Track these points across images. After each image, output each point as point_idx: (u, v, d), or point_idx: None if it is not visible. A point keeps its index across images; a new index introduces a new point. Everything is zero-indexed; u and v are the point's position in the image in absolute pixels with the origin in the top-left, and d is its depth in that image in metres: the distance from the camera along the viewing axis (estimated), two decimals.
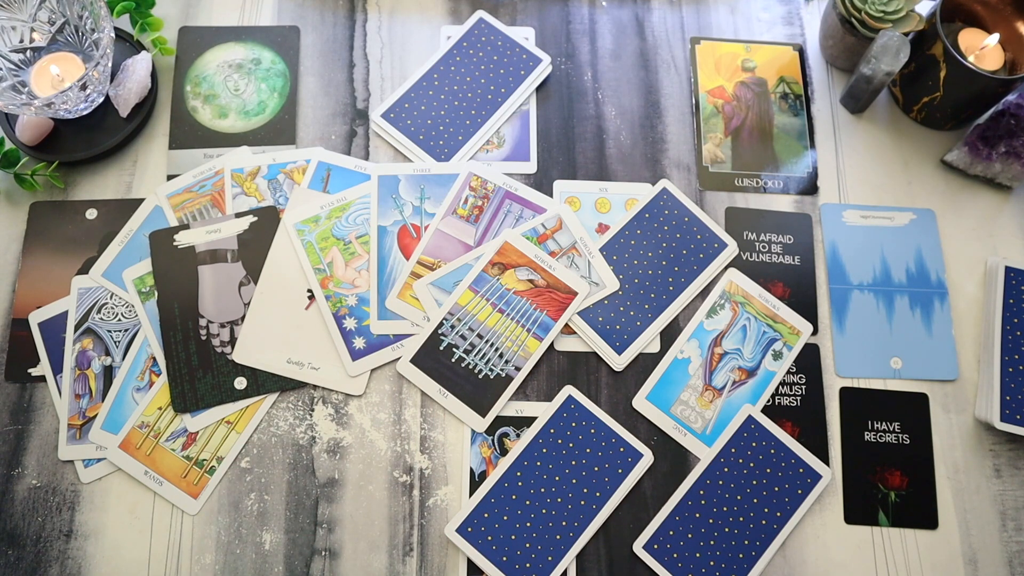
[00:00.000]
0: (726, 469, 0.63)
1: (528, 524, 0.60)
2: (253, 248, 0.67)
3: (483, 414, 0.64)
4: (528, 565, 0.59)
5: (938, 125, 0.75)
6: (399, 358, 0.65)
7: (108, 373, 0.64)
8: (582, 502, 0.61)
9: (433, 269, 0.67)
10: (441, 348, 0.65)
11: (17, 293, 0.66)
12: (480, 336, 0.65)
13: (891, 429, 0.65)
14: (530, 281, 0.66)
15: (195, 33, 0.75)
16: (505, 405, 0.64)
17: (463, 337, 0.65)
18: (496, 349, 0.65)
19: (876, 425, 0.65)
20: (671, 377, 0.66)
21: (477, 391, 0.64)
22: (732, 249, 0.69)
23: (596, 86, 0.76)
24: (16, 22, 0.68)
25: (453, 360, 0.64)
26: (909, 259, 0.70)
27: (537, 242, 0.68)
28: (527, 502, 0.61)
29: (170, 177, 0.70)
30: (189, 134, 0.72)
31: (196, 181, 0.70)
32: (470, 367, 0.64)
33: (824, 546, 0.62)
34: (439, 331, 0.65)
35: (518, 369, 0.65)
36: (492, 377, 0.64)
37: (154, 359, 0.64)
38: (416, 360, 0.65)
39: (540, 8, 0.78)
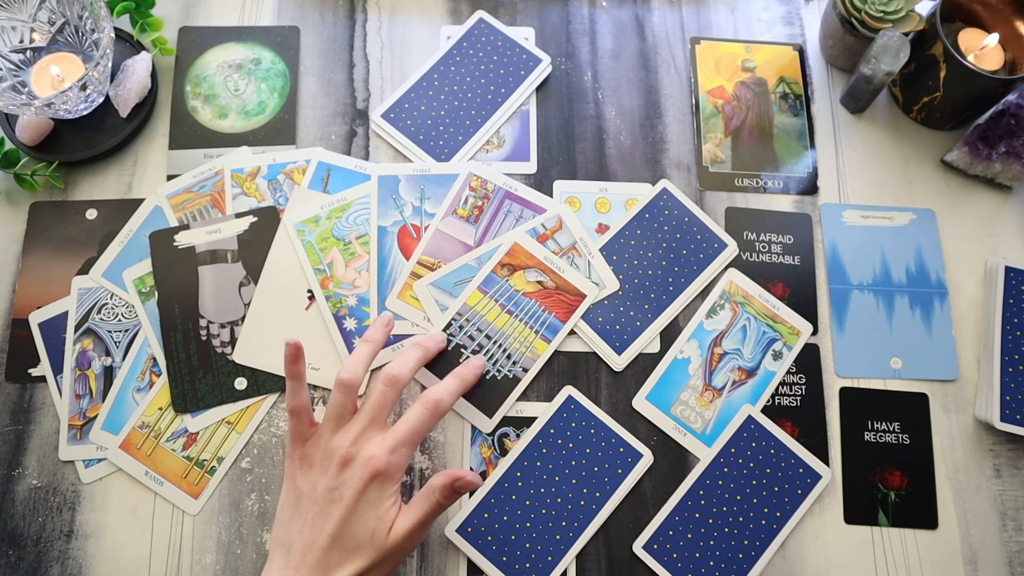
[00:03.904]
0: (726, 469, 0.63)
1: (528, 524, 0.61)
2: (253, 248, 0.67)
3: (490, 415, 0.64)
4: (528, 565, 0.59)
5: (938, 125, 0.75)
6: None
7: (108, 373, 0.64)
8: (582, 502, 0.61)
9: (433, 269, 0.67)
10: (449, 348, 0.65)
11: (17, 293, 0.66)
12: (488, 337, 0.65)
13: (891, 429, 0.65)
14: (539, 283, 0.66)
15: (195, 33, 0.75)
16: (512, 406, 0.64)
17: (471, 338, 0.65)
18: (504, 350, 0.65)
19: (876, 425, 0.65)
20: (671, 377, 0.66)
21: (485, 392, 0.64)
22: (732, 249, 0.69)
23: (596, 86, 0.75)
24: (16, 22, 0.68)
25: (461, 360, 0.64)
26: (909, 259, 0.70)
27: (536, 242, 0.68)
28: (527, 502, 0.61)
29: (170, 177, 0.70)
30: (189, 134, 0.72)
31: (196, 181, 0.70)
32: None
33: (824, 546, 0.62)
34: (447, 331, 0.65)
35: (525, 370, 0.64)
36: (500, 378, 0.64)
37: (154, 359, 0.64)
38: None
39: (540, 8, 0.78)
